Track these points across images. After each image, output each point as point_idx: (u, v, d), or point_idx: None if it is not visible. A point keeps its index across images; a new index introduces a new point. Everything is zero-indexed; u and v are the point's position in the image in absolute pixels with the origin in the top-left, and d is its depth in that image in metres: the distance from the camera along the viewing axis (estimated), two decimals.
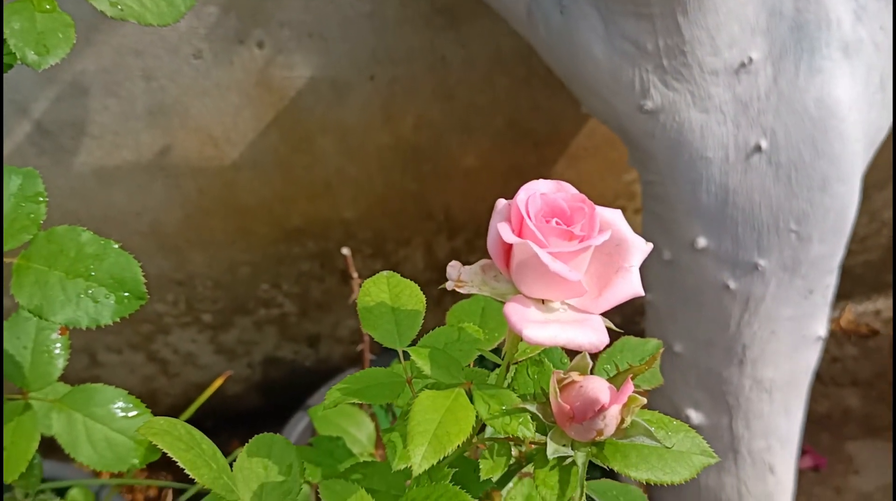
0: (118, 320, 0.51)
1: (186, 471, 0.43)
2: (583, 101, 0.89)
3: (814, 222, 0.84)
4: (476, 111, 1.04)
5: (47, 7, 0.51)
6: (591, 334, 0.39)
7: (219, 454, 0.47)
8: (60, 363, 0.62)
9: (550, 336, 0.38)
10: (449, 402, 0.40)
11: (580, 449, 0.41)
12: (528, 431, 0.40)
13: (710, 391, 0.94)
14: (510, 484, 0.59)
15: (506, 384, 0.44)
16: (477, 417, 0.41)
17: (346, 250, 0.94)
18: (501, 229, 0.39)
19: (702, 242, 0.85)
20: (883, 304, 1.51)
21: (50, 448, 0.70)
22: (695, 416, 0.96)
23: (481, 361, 0.48)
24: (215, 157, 1.00)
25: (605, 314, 0.41)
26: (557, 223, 0.40)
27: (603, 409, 0.40)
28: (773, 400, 0.95)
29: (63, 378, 0.63)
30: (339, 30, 0.93)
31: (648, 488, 0.58)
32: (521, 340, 0.44)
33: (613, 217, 0.41)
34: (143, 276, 0.52)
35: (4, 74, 0.51)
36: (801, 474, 1.26)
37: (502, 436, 0.43)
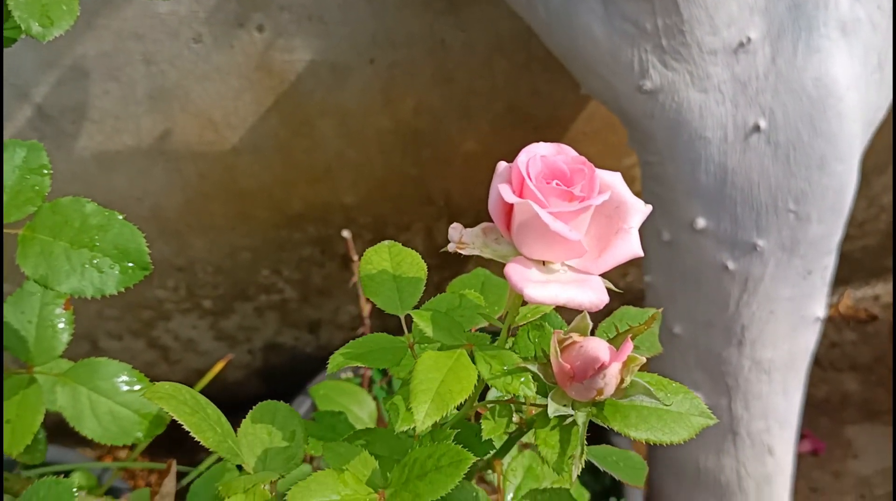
0: (122, 289, 0.51)
1: (192, 434, 0.44)
2: (582, 82, 0.89)
3: (812, 202, 0.84)
4: (476, 95, 1.04)
5: None
6: (591, 293, 0.39)
7: (223, 419, 0.47)
8: (65, 338, 0.62)
9: (551, 295, 0.39)
10: (451, 362, 0.41)
11: (580, 409, 0.42)
12: (529, 390, 0.41)
13: (709, 372, 0.95)
14: (510, 457, 0.59)
15: (507, 348, 0.45)
16: (479, 380, 0.42)
17: (346, 233, 0.94)
18: (502, 190, 0.39)
19: (701, 222, 0.86)
20: (882, 289, 1.52)
21: (53, 433, 0.71)
22: None
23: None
24: (216, 141, 1.00)
25: None
26: (557, 184, 0.40)
27: (603, 367, 0.40)
28: (772, 381, 0.95)
29: None
30: (339, 13, 0.93)
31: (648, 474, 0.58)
32: (523, 303, 0.45)
33: (613, 180, 0.42)
34: None
35: (6, 57, 0.52)
36: (800, 458, 1.26)
37: (504, 398, 0.44)
